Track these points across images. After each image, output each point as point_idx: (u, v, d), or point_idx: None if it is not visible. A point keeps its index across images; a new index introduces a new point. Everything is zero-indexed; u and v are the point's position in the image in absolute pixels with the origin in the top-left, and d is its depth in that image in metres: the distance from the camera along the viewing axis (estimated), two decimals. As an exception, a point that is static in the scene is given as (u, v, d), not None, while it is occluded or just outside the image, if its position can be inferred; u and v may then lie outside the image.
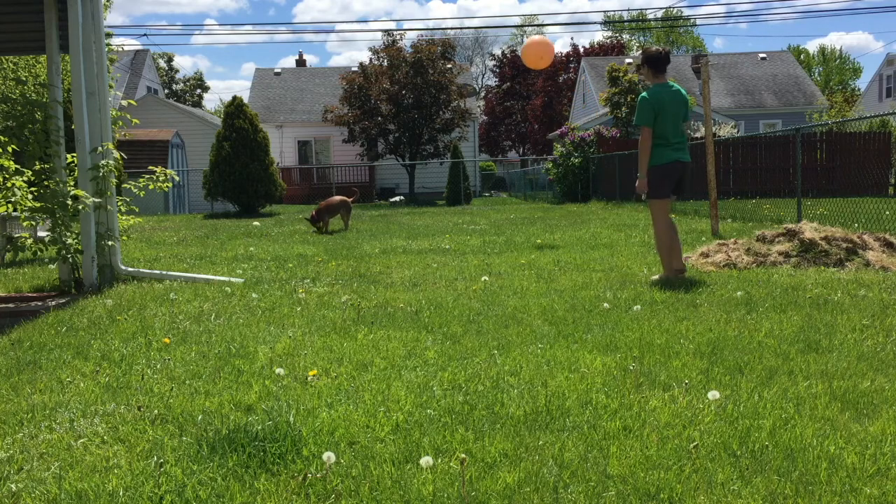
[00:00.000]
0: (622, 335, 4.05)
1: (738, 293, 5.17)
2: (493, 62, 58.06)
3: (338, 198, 13.55)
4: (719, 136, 18.61)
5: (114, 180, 6.62)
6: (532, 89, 51.73)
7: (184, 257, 8.87)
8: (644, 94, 5.89)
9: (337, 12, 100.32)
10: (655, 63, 5.94)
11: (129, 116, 9.14)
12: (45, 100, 6.98)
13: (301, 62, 41.19)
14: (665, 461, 2.37)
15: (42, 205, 6.25)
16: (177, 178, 7.59)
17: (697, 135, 24.58)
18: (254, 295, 5.77)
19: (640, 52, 6.28)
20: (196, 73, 76.15)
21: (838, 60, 62.95)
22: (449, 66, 27.54)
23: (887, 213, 9.91)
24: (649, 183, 5.92)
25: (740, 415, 2.76)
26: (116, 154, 6.82)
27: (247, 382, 3.35)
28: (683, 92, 6.00)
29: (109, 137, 6.60)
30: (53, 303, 5.65)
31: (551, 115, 48.97)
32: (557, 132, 31.91)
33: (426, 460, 2.30)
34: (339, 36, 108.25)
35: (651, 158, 5.88)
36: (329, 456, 2.31)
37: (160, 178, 7.27)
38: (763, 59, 40.25)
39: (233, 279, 6.63)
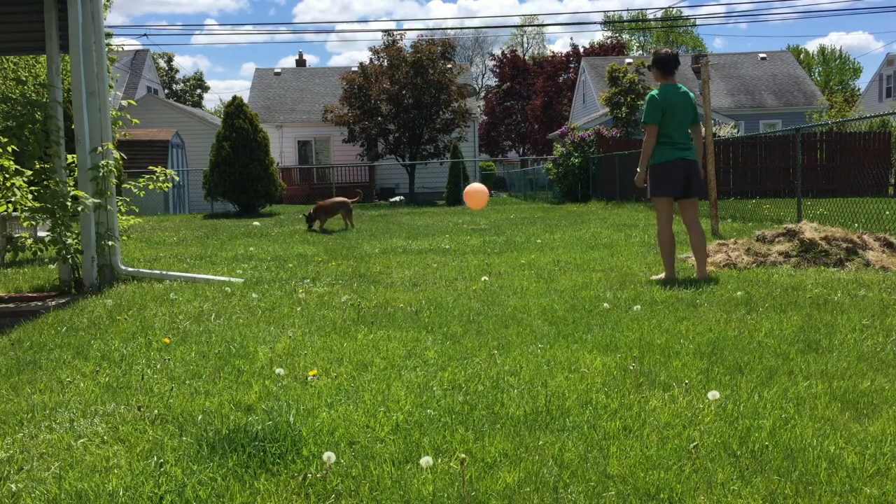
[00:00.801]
0: (622, 335, 4.05)
1: (738, 293, 5.17)
2: (493, 62, 58.01)
3: (336, 199, 13.58)
4: (719, 137, 18.61)
5: (114, 180, 6.62)
6: (532, 89, 51.74)
7: (184, 257, 8.87)
8: (653, 92, 5.95)
9: (337, 12, 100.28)
10: (664, 65, 6.02)
11: (129, 116, 9.14)
12: (45, 100, 6.98)
13: (301, 62, 41.18)
14: (665, 461, 2.37)
15: (42, 205, 6.25)
16: (177, 178, 7.59)
17: (697, 135, 24.23)
18: (254, 295, 5.77)
19: (651, 54, 6.42)
20: (196, 73, 76.15)
21: (838, 60, 62.94)
22: (449, 66, 27.54)
23: (887, 213, 9.91)
24: (651, 180, 5.99)
25: (740, 415, 2.76)
26: (116, 154, 6.82)
27: (247, 382, 3.35)
28: (691, 94, 6.05)
29: (109, 137, 6.61)
30: (53, 303, 5.65)
31: (551, 115, 48.96)
32: (557, 132, 31.91)
33: (426, 460, 2.30)
34: (339, 36, 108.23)
35: (654, 157, 5.95)
36: (329, 456, 2.31)
37: (160, 178, 7.27)
38: (763, 59, 40.26)
39: (233, 279, 6.63)
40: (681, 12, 55.73)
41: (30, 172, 6.44)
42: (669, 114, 5.85)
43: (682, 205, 6.08)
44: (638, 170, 6.06)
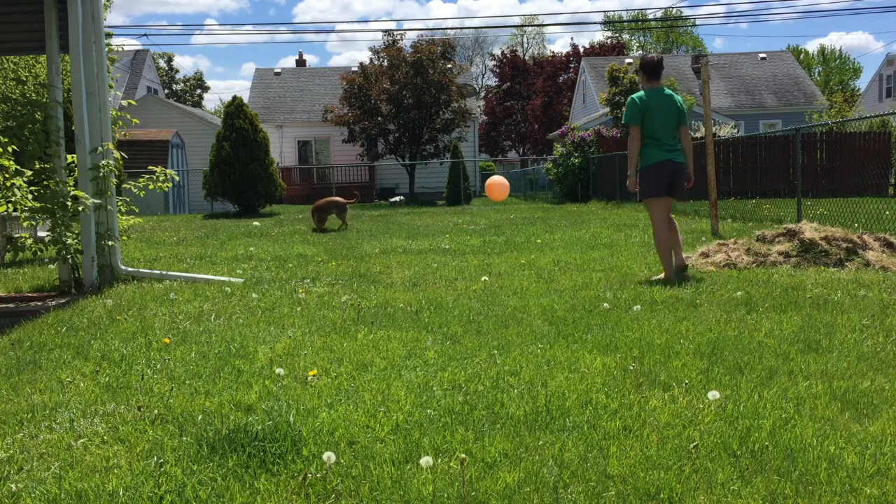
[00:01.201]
0: (622, 335, 4.05)
1: (738, 293, 5.17)
2: (493, 62, 57.99)
3: (329, 198, 13.81)
4: (719, 136, 18.61)
5: (114, 180, 6.63)
6: (532, 89, 51.74)
7: (184, 257, 8.87)
8: (635, 95, 6.10)
9: (338, 12, 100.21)
10: (648, 69, 6.16)
11: (129, 116, 9.14)
12: (45, 100, 6.98)
13: (301, 62, 41.15)
14: (665, 461, 2.37)
15: (42, 205, 6.25)
16: (177, 178, 7.59)
17: (697, 135, 24.45)
18: (254, 295, 5.77)
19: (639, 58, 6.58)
20: (196, 73, 76.11)
21: (838, 60, 62.93)
22: (449, 66, 27.53)
23: (887, 213, 9.90)
24: (642, 182, 6.07)
25: (740, 415, 2.76)
26: (116, 154, 6.82)
27: (247, 382, 3.35)
28: (677, 98, 6.13)
29: (109, 137, 6.61)
30: (53, 303, 5.65)
31: (551, 115, 48.95)
32: (557, 132, 31.91)
33: (426, 460, 2.30)
34: (339, 36, 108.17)
35: (642, 159, 6.03)
36: (329, 456, 2.31)
37: (160, 178, 7.28)
38: (763, 59, 40.25)
39: (233, 279, 6.63)
40: (681, 12, 55.76)
41: (30, 172, 6.44)
42: (650, 115, 5.95)
43: None
44: (628, 174, 6.12)
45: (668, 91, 6.08)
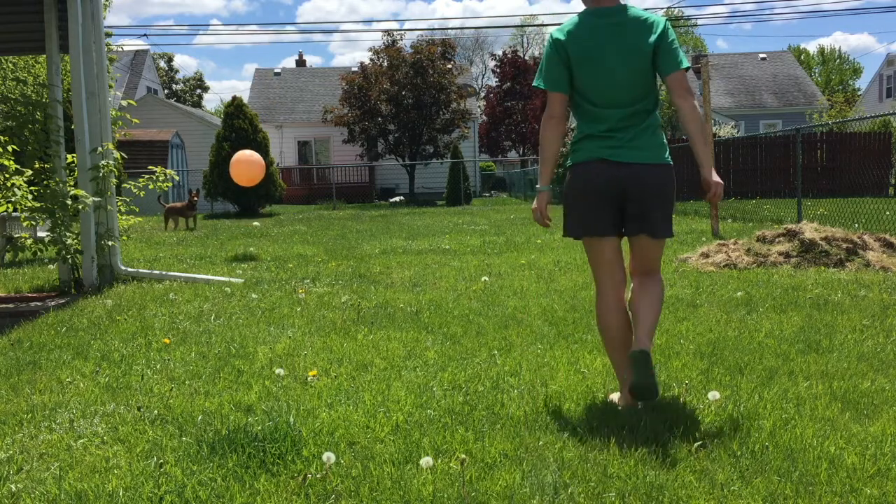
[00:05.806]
0: (622, 335, 4.04)
1: (738, 293, 5.17)
2: (494, 62, 57.97)
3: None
4: (719, 137, 18.61)
5: (114, 180, 6.63)
6: (533, 89, 51.70)
7: (184, 257, 8.87)
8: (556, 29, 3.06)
9: (345, 13, 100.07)
10: None
11: (129, 116, 9.15)
12: (44, 100, 6.99)
13: (301, 62, 41.12)
14: (665, 461, 2.37)
15: (42, 205, 6.25)
16: (177, 178, 7.59)
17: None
18: (254, 295, 5.76)
19: None
20: (196, 74, 76.10)
21: (838, 60, 62.91)
22: (449, 66, 27.54)
23: (887, 213, 9.90)
24: (564, 204, 3.50)
25: (740, 415, 2.76)
26: (116, 154, 6.82)
27: (247, 383, 3.35)
28: (647, 19, 2.86)
29: (109, 137, 6.61)
30: (53, 303, 5.65)
31: (551, 115, 48.80)
32: (557, 132, 31.79)
33: (426, 461, 2.30)
34: (343, 37, 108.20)
35: (571, 154, 3.33)
36: (329, 456, 2.31)
37: (160, 178, 7.28)
38: (763, 59, 40.28)
39: (233, 279, 6.63)
40: (682, 12, 55.71)
41: (30, 172, 6.44)
42: (581, 68, 2.88)
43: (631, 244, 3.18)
44: (537, 188, 3.43)
45: (630, 11, 2.87)
